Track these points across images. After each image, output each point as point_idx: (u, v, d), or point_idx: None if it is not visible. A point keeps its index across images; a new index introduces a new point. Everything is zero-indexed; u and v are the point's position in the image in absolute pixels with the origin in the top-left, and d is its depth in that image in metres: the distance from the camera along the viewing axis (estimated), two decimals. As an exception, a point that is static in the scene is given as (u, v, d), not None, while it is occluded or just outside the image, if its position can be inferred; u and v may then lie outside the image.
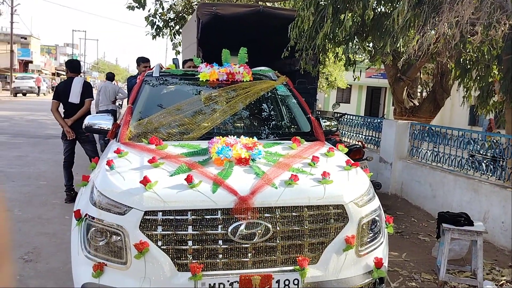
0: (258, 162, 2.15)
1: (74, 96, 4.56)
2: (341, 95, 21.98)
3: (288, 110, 3.28)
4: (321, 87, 14.32)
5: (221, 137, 2.32)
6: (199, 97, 2.92)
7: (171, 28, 9.99)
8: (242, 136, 2.36)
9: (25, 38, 38.06)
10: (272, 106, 3.38)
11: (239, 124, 2.89)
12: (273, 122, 3.20)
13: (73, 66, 4.76)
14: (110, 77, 7.62)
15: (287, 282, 1.79)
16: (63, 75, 40.38)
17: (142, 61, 5.23)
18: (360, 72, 7.21)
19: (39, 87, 28.15)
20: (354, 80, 7.59)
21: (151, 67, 3.48)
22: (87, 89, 4.61)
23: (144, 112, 2.79)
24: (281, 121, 3.26)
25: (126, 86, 4.92)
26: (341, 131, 7.30)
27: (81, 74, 4.84)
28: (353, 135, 7.00)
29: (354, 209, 1.97)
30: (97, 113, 4.96)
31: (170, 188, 1.84)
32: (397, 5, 4.34)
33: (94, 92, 5.66)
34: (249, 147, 2.20)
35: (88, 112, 4.54)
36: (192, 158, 2.15)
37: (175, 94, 3.14)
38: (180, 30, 9.59)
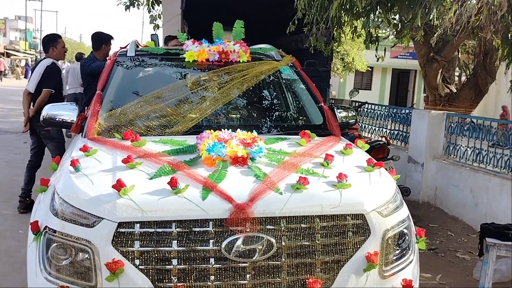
0: (258, 162, 2.16)
1: (31, 83, 4.50)
2: (360, 80, 22.04)
3: (295, 97, 3.30)
4: (336, 69, 14.32)
5: (212, 131, 2.33)
6: (185, 82, 2.93)
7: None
8: (238, 130, 2.37)
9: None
10: (275, 93, 3.38)
11: (234, 115, 2.90)
12: (277, 113, 3.22)
13: (43, 43, 4.66)
14: (79, 57, 7.79)
15: None
16: (15, 55, 39.99)
17: (98, 40, 4.82)
18: (384, 51, 7.17)
19: (0, 71, 27.92)
20: (377, 61, 7.61)
21: (124, 46, 3.47)
22: (47, 76, 4.48)
23: (116, 101, 2.79)
24: (287, 111, 3.27)
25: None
26: (360, 124, 7.33)
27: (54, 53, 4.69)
28: (375, 129, 7.03)
29: (377, 219, 1.98)
30: (65, 98, 4.80)
31: (150, 194, 1.85)
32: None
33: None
34: (247, 144, 2.21)
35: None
36: (176, 157, 2.16)
37: (155, 78, 3.15)
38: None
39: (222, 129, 2.35)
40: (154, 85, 2.85)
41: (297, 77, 3.23)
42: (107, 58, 4.17)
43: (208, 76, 2.92)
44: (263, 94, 3.33)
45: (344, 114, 3.06)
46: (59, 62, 4.84)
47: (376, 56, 7.37)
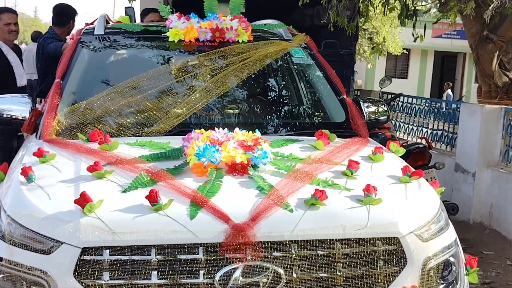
0: (262, 170, 2.18)
1: None
2: (393, 66, 22.11)
3: (309, 88, 3.30)
4: (362, 52, 14.36)
5: (203, 130, 2.35)
6: (168, 68, 2.96)
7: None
8: (236, 129, 2.39)
9: None
10: (283, 82, 3.41)
11: (231, 111, 2.93)
12: (286, 108, 3.24)
13: None
14: (36, 37, 7.81)
15: None
16: None
17: (64, 14, 4.87)
18: (424, 28, 7.16)
19: None
20: (415, 41, 7.58)
21: (90, 22, 3.48)
22: None
23: (80, 92, 2.81)
24: (299, 105, 3.31)
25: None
26: (394, 122, 7.34)
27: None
28: (413, 128, 7.03)
29: (416, 244, 1.98)
30: (18, 86, 4.79)
31: (123, 211, 1.85)
32: None
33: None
34: (248, 147, 2.22)
35: None
36: (157, 164, 2.18)
37: (130, 64, 3.18)
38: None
39: (216, 128, 2.36)
40: (128, 72, 2.87)
41: (312, 61, 3.25)
42: (68, 37, 4.19)
43: (198, 60, 2.94)
44: (268, 83, 3.36)
45: (372, 109, 3.07)
46: (24, 45, 4.84)
47: (413, 35, 7.36)
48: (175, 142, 2.37)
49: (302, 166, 2.22)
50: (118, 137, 2.50)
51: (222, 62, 2.92)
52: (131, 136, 2.54)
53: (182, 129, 2.54)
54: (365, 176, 2.21)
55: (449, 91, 17.41)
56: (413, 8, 6.45)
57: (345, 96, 3.02)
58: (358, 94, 11.08)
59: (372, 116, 3.05)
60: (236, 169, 2.13)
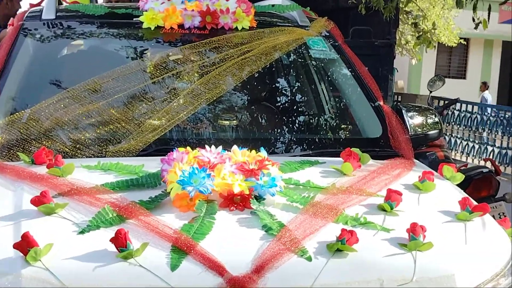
0: (269, 202, 2.19)
1: None
2: (446, 61, 22.11)
3: (333, 91, 3.35)
4: (404, 43, 14.41)
5: (189, 149, 2.37)
6: (142, 65, 2.99)
7: None
8: (234, 148, 2.41)
9: None
10: (298, 84, 3.48)
11: (227, 122, 2.95)
12: (301, 118, 3.30)
13: None
14: None
15: None
16: None
17: None
18: (489, 11, 7.16)
19: None
20: (476, 28, 7.60)
21: (36, 3, 3.52)
22: None
23: (22, 97, 2.84)
24: (318, 115, 3.34)
25: None
26: (448, 138, 7.34)
27: None
28: (474, 146, 7.03)
29: (480, 305, 1.98)
30: None
31: (80, 259, 1.84)
32: None
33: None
34: (250, 171, 2.24)
35: None
36: (126, 195, 2.19)
37: (90, 59, 3.23)
38: None
39: (207, 146, 2.37)
40: (88, 70, 2.91)
41: (336, 55, 3.27)
42: (7, 23, 4.21)
43: (183, 54, 2.98)
44: (277, 85, 3.43)
45: (419, 120, 3.09)
46: None
47: (474, 20, 7.37)
48: (151, 164, 2.38)
49: (323, 198, 2.23)
50: (74, 158, 2.50)
51: (214, 57, 2.96)
52: (91, 157, 2.55)
53: (161, 147, 2.56)
54: (410, 212, 2.22)
55: (486, 93, 17.30)
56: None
57: (381, 103, 3.03)
58: (399, 100, 11.09)
59: (419, 129, 3.06)
60: (234, 201, 2.13)
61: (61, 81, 2.95)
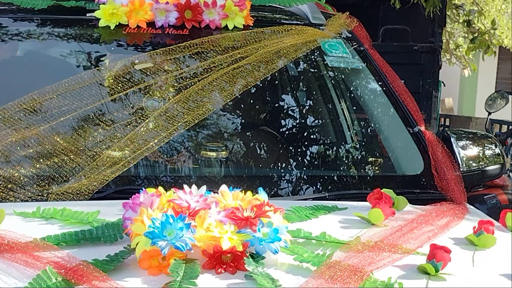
0: (270, 263, 2.17)
1: None
2: (511, 72, 22.19)
3: (357, 112, 3.39)
4: (454, 48, 14.48)
5: (161, 189, 2.36)
6: (98, 77, 3.00)
7: None
8: (223, 188, 2.40)
9: None
10: (310, 102, 3.51)
11: (214, 154, 2.97)
12: (314, 149, 3.34)
13: None
14: None
15: None
16: None
17: None
18: None
19: None
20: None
21: None
22: None
23: None
24: (338, 144, 3.38)
25: None
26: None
27: None
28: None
29: None
30: None
31: None
32: None
33: None
34: (244, 220, 2.23)
35: None
36: (75, 252, 2.17)
37: (26, 68, 3.23)
38: None
39: (185, 186, 2.36)
40: (23, 84, 2.92)
41: (361, 64, 3.30)
42: None
43: (153, 61, 2.97)
44: (282, 104, 3.44)
45: (474, 151, 3.10)
46: None
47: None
48: (109, 211, 2.38)
49: (344, 257, 2.20)
50: (4, 202, 2.49)
51: (197, 66, 2.97)
52: (28, 201, 2.54)
53: (123, 187, 2.58)
54: (461, 276, 2.20)
55: None
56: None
57: (422, 128, 3.03)
58: (447, 124, 11.11)
59: (474, 164, 3.06)
60: (223, 261, 2.11)
61: None
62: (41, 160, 2.64)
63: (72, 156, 2.64)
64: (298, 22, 3.28)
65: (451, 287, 2.12)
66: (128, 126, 2.75)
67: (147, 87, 2.91)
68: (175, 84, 2.90)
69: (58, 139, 2.67)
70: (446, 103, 15.89)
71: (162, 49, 3.00)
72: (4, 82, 2.99)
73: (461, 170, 2.97)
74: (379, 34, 5.87)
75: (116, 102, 2.85)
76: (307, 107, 3.43)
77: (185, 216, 2.18)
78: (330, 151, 3.28)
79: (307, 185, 2.90)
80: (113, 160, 2.63)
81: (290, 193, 2.80)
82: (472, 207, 2.82)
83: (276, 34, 3.10)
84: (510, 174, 7.18)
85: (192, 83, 2.87)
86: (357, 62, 3.29)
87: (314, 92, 3.44)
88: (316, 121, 3.40)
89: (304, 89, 3.42)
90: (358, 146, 3.33)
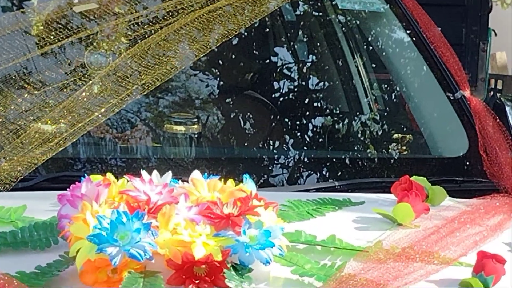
0: (259, 277, 2.20)
1: None
2: None
3: (378, 72, 3.45)
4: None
5: (110, 177, 2.39)
6: (21, 20, 2.99)
7: None
8: (195, 175, 2.43)
9: None
10: (314, 58, 3.55)
11: (182, 128, 2.98)
12: (319, 121, 3.40)
13: None
14: None
15: None
16: None
17: None
18: None
19: None
20: None
21: None
22: None
23: None
24: (351, 115, 3.44)
25: None
26: None
27: None
28: None
29: None
30: None
31: None
32: None
33: None
34: (224, 219, 2.24)
35: None
36: None
37: None
38: None
39: (143, 172, 2.39)
40: None
41: (383, 6, 3.32)
42: None
43: (99, 1, 2.98)
44: (275, 60, 3.46)
45: None
46: None
47: None
48: (39, 206, 2.40)
49: (361, 269, 2.22)
50: None
51: (157, 7, 2.99)
52: None
53: (58, 174, 2.59)
54: None
55: None
56: None
57: (467, 94, 3.06)
58: (499, 87, 11.07)
59: None
60: (195, 274, 2.12)
61: None
62: None
63: None
64: None
65: None
66: (64, 90, 2.76)
67: (90, 36, 2.92)
68: (129, 33, 2.92)
69: None
70: (497, 59, 15.71)
71: None
72: None
73: None
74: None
75: (48, 56, 2.86)
76: (308, 65, 3.43)
77: (144, 214, 2.18)
78: (341, 124, 3.28)
79: (310, 171, 2.91)
80: (44, 137, 2.62)
81: (286, 182, 2.81)
82: (538, 202, 2.83)
83: None
84: None
85: (152, 31, 2.89)
86: (377, 3, 3.31)
87: (318, 44, 3.43)
88: (321, 84, 3.40)
89: (305, 39, 3.41)
90: (378, 117, 3.33)
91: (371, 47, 3.41)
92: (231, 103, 3.16)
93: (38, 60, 2.84)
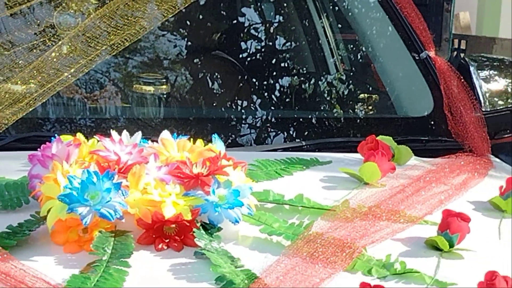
0: (229, 235, 2.23)
1: None
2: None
3: (344, 32, 3.44)
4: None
5: (80, 137, 2.40)
6: None
7: None
8: (164, 135, 2.45)
9: None
10: (281, 18, 3.54)
11: (151, 88, 2.98)
12: (286, 81, 3.39)
13: None
14: None
15: None
16: None
17: None
18: None
19: None
20: None
21: None
22: None
23: None
24: (318, 75, 3.44)
25: None
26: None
27: None
28: None
29: None
30: None
31: None
32: None
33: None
34: (193, 178, 2.26)
35: None
36: None
37: None
38: None
39: (113, 132, 2.40)
40: None
41: None
42: None
43: None
44: (241, 19, 3.46)
45: (500, 85, 3.15)
46: None
47: None
48: (10, 166, 2.41)
49: (328, 227, 2.25)
50: None
51: None
52: None
53: (28, 133, 2.60)
54: (484, 252, 2.26)
55: None
56: None
57: (431, 54, 3.07)
58: (463, 47, 11.09)
59: (500, 102, 3.10)
60: (165, 234, 2.15)
61: None
62: None
63: None
64: None
65: (471, 267, 2.16)
66: (34, 51, 2.75)
67: None
68: None
69: None
70: (461, 19, 15.80)
71: None
72: None
73: (483, 110, 3.01)
74: None
75: (17, 17, 2.84)
76: (275, 25, 3.43)
77: (114, 174, 2.20)
78: (307, 84, 3.28)
79: (277, 131, 2.93)
80: (14, 97, 2.62)
81: (254, 142, 2.83)
82: (497, 160, 2.86)
83: None
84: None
85: None
86: None
87: (285, 5, 3.44)
88: (288, 44, 3.40)
89: (273, 5, 3.42)
90: (344, 78, 3.34)
91: (337, 8, 3.40)
92: (199, 63, 3.17)
93: (7, 20, 2.83)
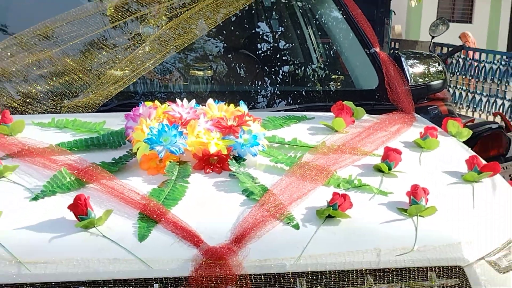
0: (250, 164, 2.24)
1: None
2: (450, 2, 22.02)
3: (322, 37, 3.41)
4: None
5: (157, 103, 2.40)
6: (100, 6, 2.94)
7: None
8: (210, 102, 2.45)
9: None
10: (282, 28, 3.52)
11: (201, 73, 2.98)
12: (286, 68, 3.34)
13: None
14: None
15: None
16: None
17: None
18: None
19: None
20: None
21: None
22: None
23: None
24: (306, 64, 3.42)
25: None
26: (453, 90, 7.35)
27: None
28: (482, 98, 7.05)
29: (489, 277, 2.00)
30: None
31: (33, 229, 1.83)
32: None
33: None
34: (228, 128, 2.28)
35: None
36: (86, 156, 2.20)
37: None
38: None
39: (178, 100, 2.39)
40: (37, 13, 2.88)
41: None
42: None
43: None
44: (258, 30, 3.45)
45: (420, 69, 3.13)
46: None
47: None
48: (114, 121, 2.41)
49: (312, 158, 2.27)
50: (24, 115, 2.50)
51: None
52: (43, 113, 2.55)
53: (124, 101, 2.60)
54: (410, 173, 2.25)
55: None
56: None
57: (377, 50, 3.06)
58: (397, 47, 11.08)
59: (420, 80, 3.10)
60: (210, 163, 2.16)
61: (6, 25, 2.90)
62: (54, 79, 2.66)
63: (80, 75, 2.67)
64: None
65: (402, 182, 2.15)
66: (128, 50, 2.78)
67: (143, 15, 2.91)
68: (167, 13, 2.90)
69: (69, 61, 2.69)
70: (395, 29, 15.92)
71: None
72: (20, 11, 2.97)
73: (410, 85, 3.02)
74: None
75: (117, 29, 2.86)
76: (279, 33, 3.45)
77: (178, 125, 2.22)
78: (300, 70, 3.31)
79: (280, 99, 2.95)
80: (116, 78, 2.66)
81: (266, 106, 2.87)
82: (418, 116, 2.90)
83: None
84: (449, 89, 7.21)
85: (182, 12, 2.88)
86: None
87: (285, 20, 3.46)
88: (287, 45, 3.43)
89: (277, 17, 3.44)
90: (323, 66, 3.37)
91: (318, 21, 3.44)
92: (231, 57, 3.21)
93: (111, 31, 2.85)
